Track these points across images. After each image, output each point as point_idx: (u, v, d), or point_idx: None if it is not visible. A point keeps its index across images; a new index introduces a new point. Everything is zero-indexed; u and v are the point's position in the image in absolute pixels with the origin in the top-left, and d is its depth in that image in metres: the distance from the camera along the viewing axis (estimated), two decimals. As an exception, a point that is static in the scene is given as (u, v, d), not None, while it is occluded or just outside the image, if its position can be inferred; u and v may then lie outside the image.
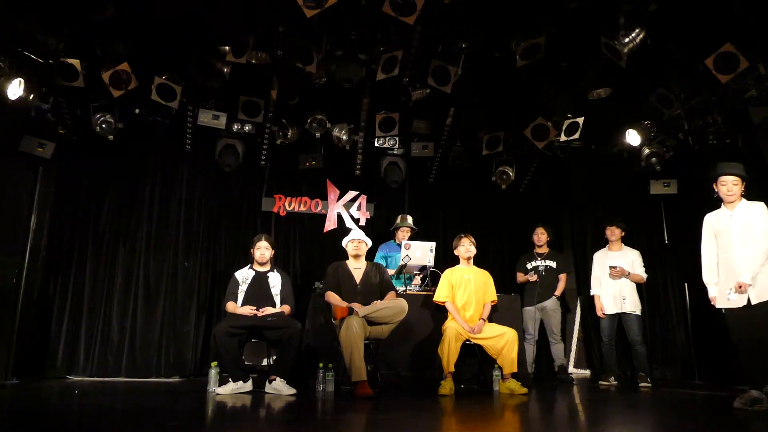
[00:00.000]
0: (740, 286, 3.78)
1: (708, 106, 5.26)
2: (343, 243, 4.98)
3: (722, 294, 3.94)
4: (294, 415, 3.62)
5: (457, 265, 5.08)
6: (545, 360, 6.22)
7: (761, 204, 3.93)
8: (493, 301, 4.98)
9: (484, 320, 4.85)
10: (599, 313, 5.78)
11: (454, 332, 4.65)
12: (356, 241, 4.87)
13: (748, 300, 3.78)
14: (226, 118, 5.73)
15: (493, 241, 7.03)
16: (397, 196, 6.84)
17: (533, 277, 5.94)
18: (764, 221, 3.85)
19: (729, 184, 3.96)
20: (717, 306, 4.01)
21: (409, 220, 6.12)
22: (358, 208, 6.78)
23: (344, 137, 6.15)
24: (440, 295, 4.93)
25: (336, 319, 4.45)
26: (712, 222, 4.11)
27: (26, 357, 5.31)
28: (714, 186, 4.04)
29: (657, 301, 6.32)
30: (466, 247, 5.01)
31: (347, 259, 4.94)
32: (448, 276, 4.97)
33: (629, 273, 5.72)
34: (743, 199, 3.99)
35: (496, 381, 4.79)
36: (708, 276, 4.06)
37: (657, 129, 5.75)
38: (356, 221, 6.71)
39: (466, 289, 4.90)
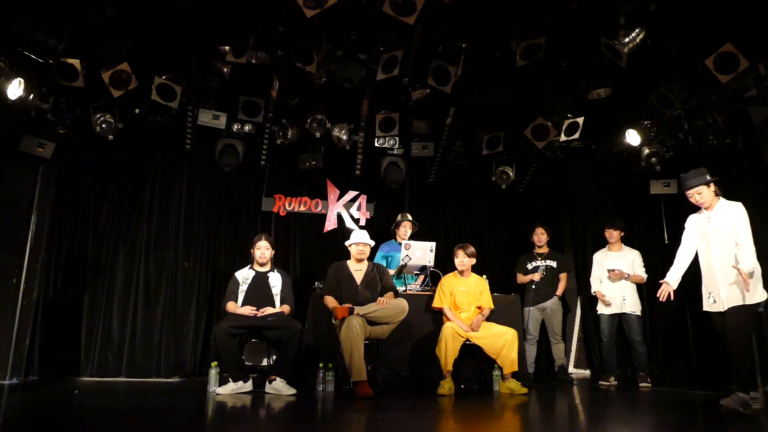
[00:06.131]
0: (750, 274, 3.62)
1: (708, 106, 5.25)
2: (347, 243, 4.97)
3: (705, 298, 4.00)
4: (294, 415, 3.62)
5: (455, 273, 5.08)
6: (545, 360, 6.22)
7: (738, 205, 3.86)
8: (490, 308, 4.99)
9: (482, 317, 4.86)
10: (602, 304, 5.74)
11: (450, 331, 4.66)
12: (361, 245, 4.86)
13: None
14: (226, 118, 5.72)
15: (493, 241, 7.03)
16: (397, 196, 6.84)
17: (537, 276, 5.91)
18: (743, 223, 3.77)
19: (694, 196, 3.94)
20: (704, 309, 4.05)
21: (409, 218, 6.11)
22: (358, 208, 6.78)
23: (344, 137, 6.14)
24: (437, 302, 4.97)
25: (336, 320, 4.45)
26: (693, 223, 4.09)
27: (26, 357, 5.30)
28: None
29: (657, 301, 6.26)
30: (459, 259, 5.02)
31: (347, 259, 4.95)
32: (444, 284, 5.00)
33: (629, 275, 5.71)
34: (721, 199, 3.94)
35: (496, 381, 4.80)
36: (670, 273, 4.13)
37: (657, 129, 5.74)
38: (356, 221, 6.71)
39: (461, 299, 4.92)
